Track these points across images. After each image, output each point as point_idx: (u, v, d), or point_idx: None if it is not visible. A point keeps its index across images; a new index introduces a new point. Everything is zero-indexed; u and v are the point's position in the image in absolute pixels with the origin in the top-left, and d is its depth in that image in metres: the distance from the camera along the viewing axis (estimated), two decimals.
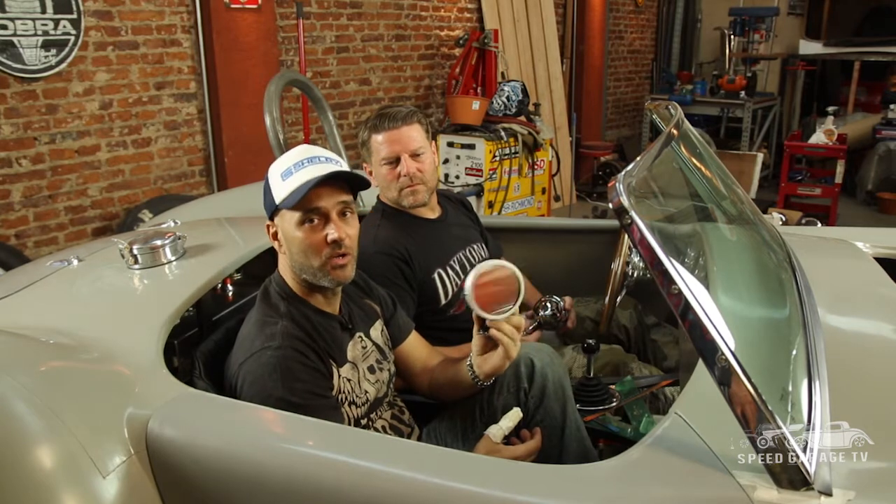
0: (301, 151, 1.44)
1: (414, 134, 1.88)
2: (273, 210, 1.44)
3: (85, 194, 3.91)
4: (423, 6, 5.70)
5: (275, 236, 1.46)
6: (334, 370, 1.43)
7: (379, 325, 1.62)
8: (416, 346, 1.70)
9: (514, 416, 1.45)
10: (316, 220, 1.40)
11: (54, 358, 1.38)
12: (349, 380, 1.46)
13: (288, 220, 1.42)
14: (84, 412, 1.23)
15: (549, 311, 1.94)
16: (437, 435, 1.59)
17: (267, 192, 1.45)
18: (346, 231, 1.42)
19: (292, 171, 1.40)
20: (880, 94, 7.80)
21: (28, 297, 1.71)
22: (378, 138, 1.88)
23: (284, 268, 1.48)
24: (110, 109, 3.93)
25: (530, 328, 1.96)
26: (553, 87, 6.64)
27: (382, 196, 1.99)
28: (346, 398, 1.44)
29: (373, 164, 1.92)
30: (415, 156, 1.88)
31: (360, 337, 1.55)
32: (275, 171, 1.43)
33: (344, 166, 1.46)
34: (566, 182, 6.38)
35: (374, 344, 1.58)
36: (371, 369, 1.54)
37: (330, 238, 1.40)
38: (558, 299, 1.96)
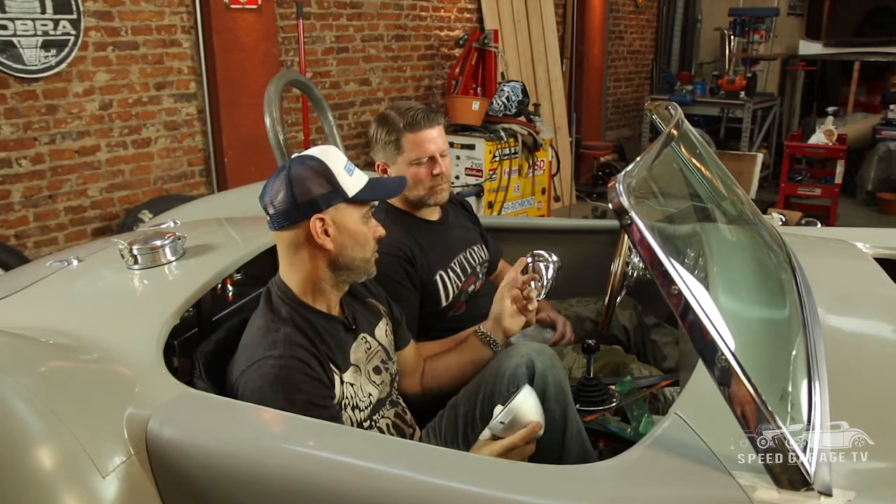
0: (338, 153, 1.45)
1: (442, 133, 1.90)
2: (324, 205, 1.40)
3: (85, 194, 3.90)
4: (423, 6, 5.70)
5: (324, 232, 1.41)
6: (336, 377, 1.42)
7: (384, 324, 1.62)
8: (409, 353, 1.72)
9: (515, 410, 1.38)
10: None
11: (54, 358, 1.37)
12: (352, 384, 1.45)
13: (353, 213, 1.44)
14: (84, 412, 1.23)
15: (550, 272, 1.94)
16: (436, 434, 1.59)
17: (311, 185, 1.39)
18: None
19: (352, 169, 1.44)
20: (880, 94, 7.80)
21: (28, 298, 1.71)
22: (414, 137, 1.84)
23: (290, 270, 1.46)
24: (110, 110, 3.93)
25: (542, 293, 1.94)
26: (553, 87, 6.64)
27: None
28: (348, 403, 1.43)
29: (397, 163, 1.87)
30: (443, 156, 1.89)
31: (365, 338, 1.54)
32: (336, 164, 1.42)
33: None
34: (566, 182, 6.38)
35: (380, 344, 1.58)
36: (377, 370, 1.54)
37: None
38: (540, 252, 1.97)
